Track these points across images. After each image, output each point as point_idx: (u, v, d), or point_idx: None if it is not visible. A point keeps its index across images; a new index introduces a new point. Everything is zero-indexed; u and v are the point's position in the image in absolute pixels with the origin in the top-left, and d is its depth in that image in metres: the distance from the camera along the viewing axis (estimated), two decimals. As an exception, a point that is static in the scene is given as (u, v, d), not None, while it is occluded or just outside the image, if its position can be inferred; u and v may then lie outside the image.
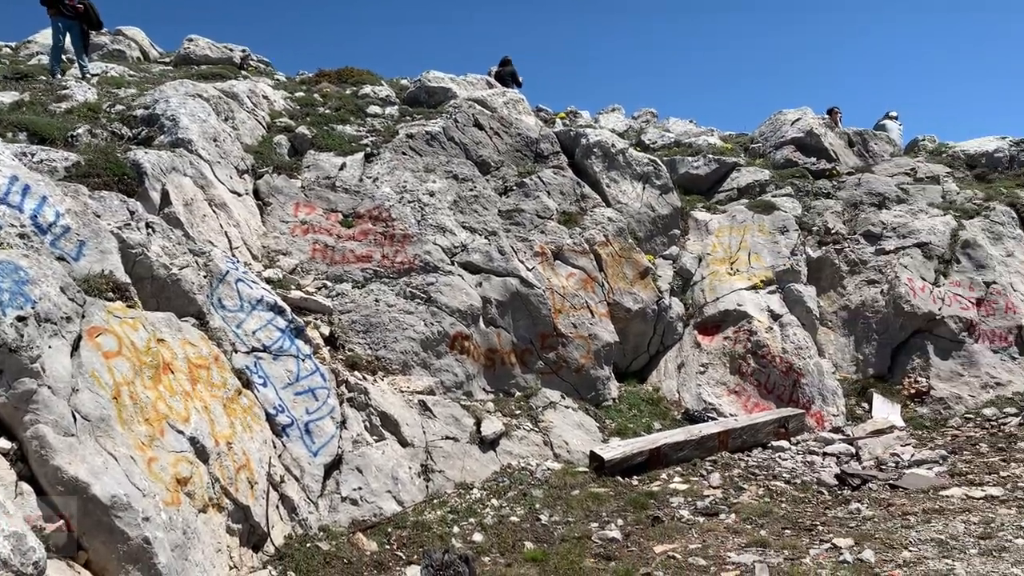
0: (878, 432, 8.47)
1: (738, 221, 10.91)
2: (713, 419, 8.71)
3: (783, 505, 6.68)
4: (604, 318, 9.21)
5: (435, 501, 6.61)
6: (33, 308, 4.20)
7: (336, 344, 7.52)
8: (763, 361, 9.26)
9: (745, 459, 7.99)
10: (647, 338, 9.84)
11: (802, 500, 6.81)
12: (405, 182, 9.18)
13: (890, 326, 9.70)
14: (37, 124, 7.59)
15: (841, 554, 5.41)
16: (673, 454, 7.74)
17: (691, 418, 8.86)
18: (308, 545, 5.68)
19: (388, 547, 5.93)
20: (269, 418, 6.11)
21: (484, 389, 8.32)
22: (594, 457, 7.48)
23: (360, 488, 6.32)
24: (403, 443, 6.84)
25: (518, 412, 8.10)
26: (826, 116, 14.72)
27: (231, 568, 5.07)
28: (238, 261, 7.22)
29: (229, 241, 7.65)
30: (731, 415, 8.86)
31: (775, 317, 9.63)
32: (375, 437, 6.74)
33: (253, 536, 5.46)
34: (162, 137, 8.13)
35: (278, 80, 12.84)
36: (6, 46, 14.15)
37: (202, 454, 5.12)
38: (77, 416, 4.19)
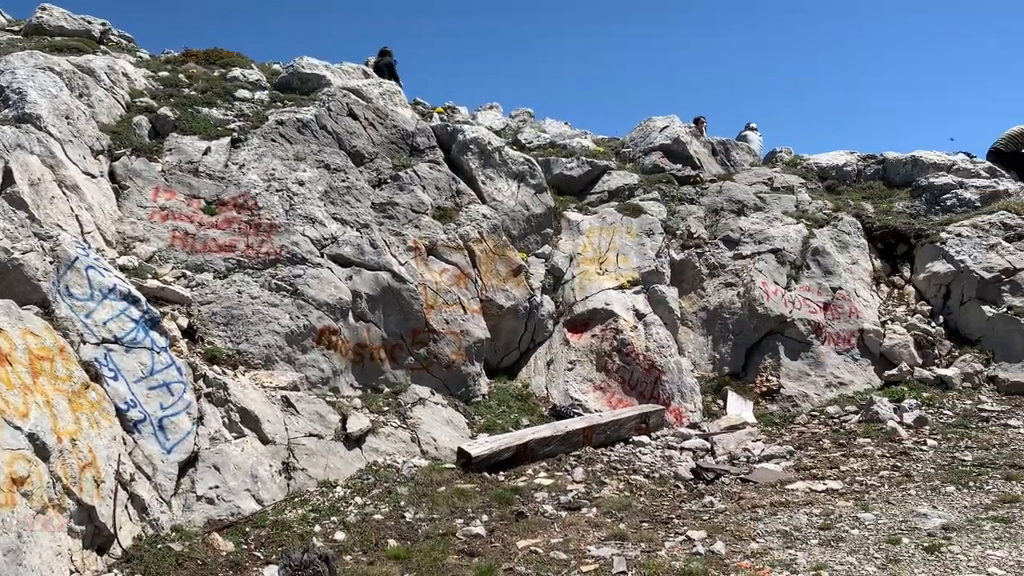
0: (732, 428, 8.89)
1: (608, 222, 11.19)
2: (579, 415, 8.90)
3: (642, 499, 6.91)
4: (477, 314, 9.24)
5: (296, 500, 6.44)
6: None
7: (195, 337, 7.20)
8: (628, 359, 9.54)
9: (608, 454, 8.21)
10: (519, 335, 9.95)
11: (660, 494, 7.06)
12: (274, 170, 8.89)
13: (745, 327, 10.20)
14: None
15: (694, 546, 5.65)
16: (539, 449, 7.85)
17: (558, 414, 9.01)
18: (159, 546, 5.41)
19: (245, 547, 5.73)
20: (120, 413, 5.78)
21: (352, 385, 8.17)
22: (461, 453, 7.49)
23: (217, 487, 6.08)
24: (264, 440, 6.63)
25: (386, 409, 8.00)
26: (692, 125, 15.32)
27: (72, 573, 4.78)
28: (89, 247, 6.80)
29: (80, 225, 7.18)
30: (596, 411, 9.09)
31: (640, 316, 9.93)
32: (234, 434, 6.49)
33: (98, 538, 5.16)
34: (7, 111, 7.55)
35: (140, 57, 12.13)
36: None
37: (42, 452, 4.80)
38: None
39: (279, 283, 7.90)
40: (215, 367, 6.94)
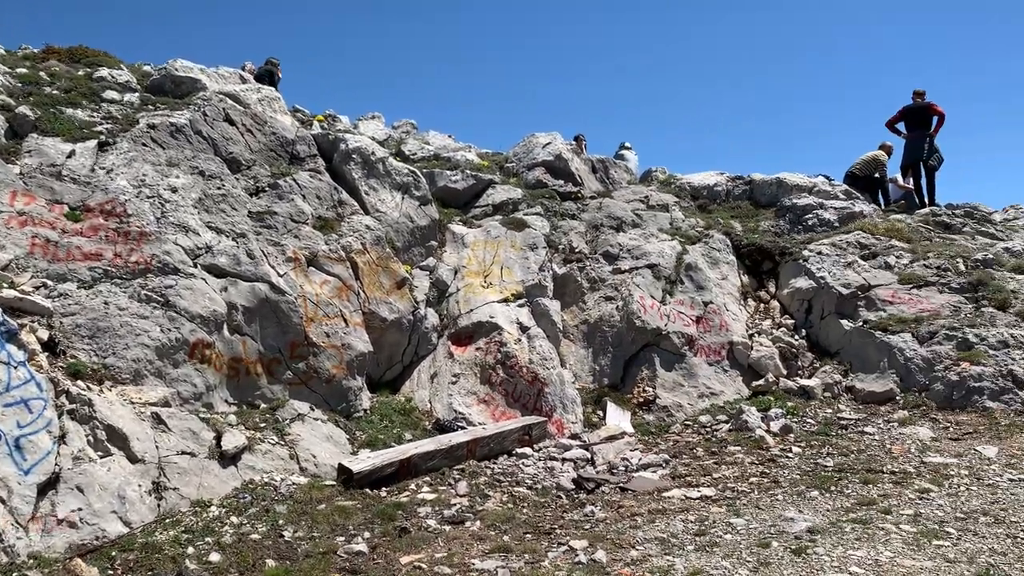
0: (611, 438, 9.09)
1: (492, 236, 11.26)
2: (463, 428, 8.89)
3: (525, 510, 6.95)
4: (359, 327, 9.09)
5: (168, 521, 6.11)
6: None
7: (56, 350, 6.74)
8: (511, 371, 9.61)
9: (492, 466, 8.22)
10: (402, 348, 9.85)
11: (543, 505, 7.13)
12: (144, 175, 8.47)
13: (624, 339, 10.48)
14: None
15: (577, 555, 5.72)
16: (423, 464, 7.78)
17: (442, 428, 8.97)
18: (14, 575, 5.02)
19: (111, 572, 5.38)
20: (-33, 434, 5.34)
21: (226, 401, 7.86)
22: (343, 470, 7.33)
23: (80, 509, 5.70)
24: (132, 459, 6.27)
25: (263, 425, 7.74)
26: (573, 142, 15.69)
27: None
28: (-67, 253, 6.26)
29: (-77, 230, 6.61)
30: (480, 424, 9.10)
31: (524, 329, 10.04)
32: (100, 453, 6.11)
33: (-60, 571, 4.73)
34: None
35: (-5, 52, 11.34)
36: None
37: None
38: None
39: (149, 294, 7.51)
40: (79, 382, 6.52)
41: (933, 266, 11.25)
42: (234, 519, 6.32)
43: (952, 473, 7.20)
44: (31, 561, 5.23)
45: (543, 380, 9.58)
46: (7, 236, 7.39)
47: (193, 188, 8.71)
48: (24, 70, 10.61)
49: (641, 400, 9.96)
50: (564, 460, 8.46)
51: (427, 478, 7.75)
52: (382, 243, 9.95)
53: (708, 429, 9.31)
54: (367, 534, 6.29)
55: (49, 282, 7.17)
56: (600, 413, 9.84)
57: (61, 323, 6.97)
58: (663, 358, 10.31)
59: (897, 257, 11.60)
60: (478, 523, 6.59)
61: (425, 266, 10.79)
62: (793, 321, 11.31)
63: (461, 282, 10.68)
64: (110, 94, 10.47)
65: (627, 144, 18.00)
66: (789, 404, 9.70)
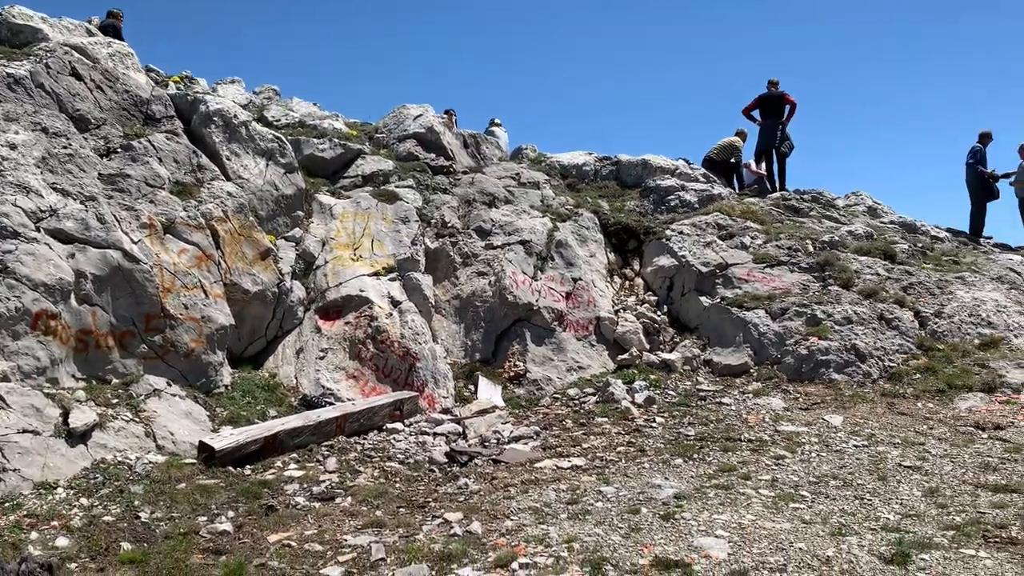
0: (482, 412, 9.12)
1: (363, 208, 10.99)
2: (331, 404, 8.66)
3: (398, 485, 6.86)
4: (220, 299, 8.64)
5: (8, 504, 5.61)
6: None
7: None
8: (382, 346, 9.44)
9: (362, 442, 8.06)
10: (265, 322, 9.46)
11: (415, 479, 7.05)
12: (-23, 129, 7.68)
13: (496, 314, 10.52)
14: None
15: (452, 528, 5.69)
16: (290, 441, 7.53)
17: (309, 404, 8.71)
18: None
19: (-61, 565, 4.89)
20: None
21: (74, 376, 7.30)
22: (204, 447, 6.97)
23: (-100, 497, 5.14)
24: (-36, 440, 5.71)
25: (115, 401, 7.23)
26: (444, 116, 15.53)
27: None
28: None
29: None
30: (349, 399, 8.89)
31: (395, 304, 9.87)
32: (-76, 434, 5.53)
33: None
34: None
35: None
36: None
37: None
38: None
39: (-17, 259, 6.84)
40: (-102, 356, 5.86)
41: (784, 247, 11.93)
42: (84, 501, 5.89)
43: (804, 440, 7.67)
44: None
45: (415, 355, 9.47)
46: None
47: (35, 146, 7.97)
48: None
49: (512, 374, 10.04)
50: (436, 434, 8.40)
51: (294, 455, 7.50)
52: (245, 211, 9.50)
53: (576, 402, 9.50)
54: (231, 513, 6.02)
55: None
56: (472, 387, 9.84)
57: None
58: (534, 333, 10.43)
59: (752, 238, 12.22)
60: (349, 499, 6.44)
61: (291, 237, 10.38)
62: (656, 298, 11.70)
63: (329, 254, 10.37)
64: (-67, 38, 9.43)
65: (497, 120, 17.99)
66: (652, 377, 10.04)
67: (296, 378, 9.22)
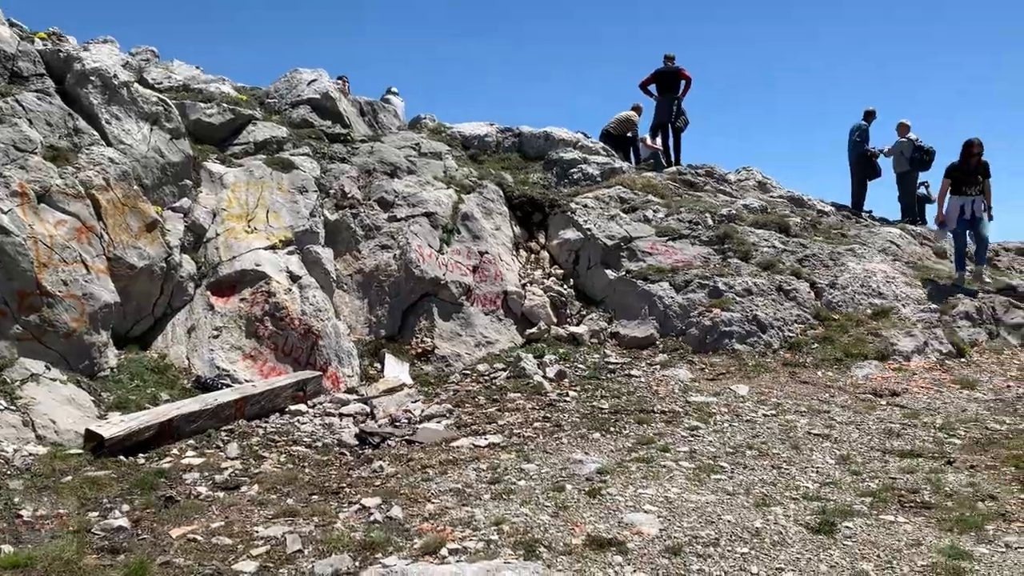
0: (391, 391, 8.81)
1: (256, 177, 10.37)
2: (228, 386, 8.15)
3: (307, 470, 6.49)
4: (103, 275, 7.94)
5: None
6: None
7: None
8: (282, 324, 8.96)
9: (264, 426, 7.62)
10: (153, 299, 8.78)
11: (326, 463, 6.71)
12: None
13: (402, 289, 10.17)
14: None
15: (371, 513, 5.41)
16: (186, 426, 7.02)
17: (204, 386, 8.16)
18: None
19: None
20: None
21: (-65, 361, 6.54)
22: (91, 436, 6.39)
23: None
24: None
25: (-14, 388, 6.53)
26: (338, 82, 14.89)
27: None
28: None
29: None
30: (247, 381, 8.40)
31: (294, 279, 9.38)
32: None
33: None
34: None
35: None
36: None
37: None
38: None
39: None
40: None
41: (685, 220, 12.08)
42: (-47, 502, 5.26)
43: (714, 411, 7.77)
44: None
45: (317, 332, 9.03)
46: None
47: None
48: None
49: (420, 351, 9.75)
50: (343, 415, 8.05)
51: (191, 441, 7.00)
52: (129, 179, 8.75)
53: (487, 377, 9.32)
54: (126, 507, 5.53)
55: None
56: (378, 365, 9.49)
57: None
58: (441, 308, 10.15)
59: (654, 211, 12.31)
60: (256, 487, 6.04)
61: (178, 208, 9.66)
62: (562, 271, 11.62)
63: (221, 226, 9.74)
64: None
65: (394, 89, 17.44)
66: (561, 351, 9.98)
67: (188, 359, 8.63)
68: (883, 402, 8.05)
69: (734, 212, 12.57)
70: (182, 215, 9.57)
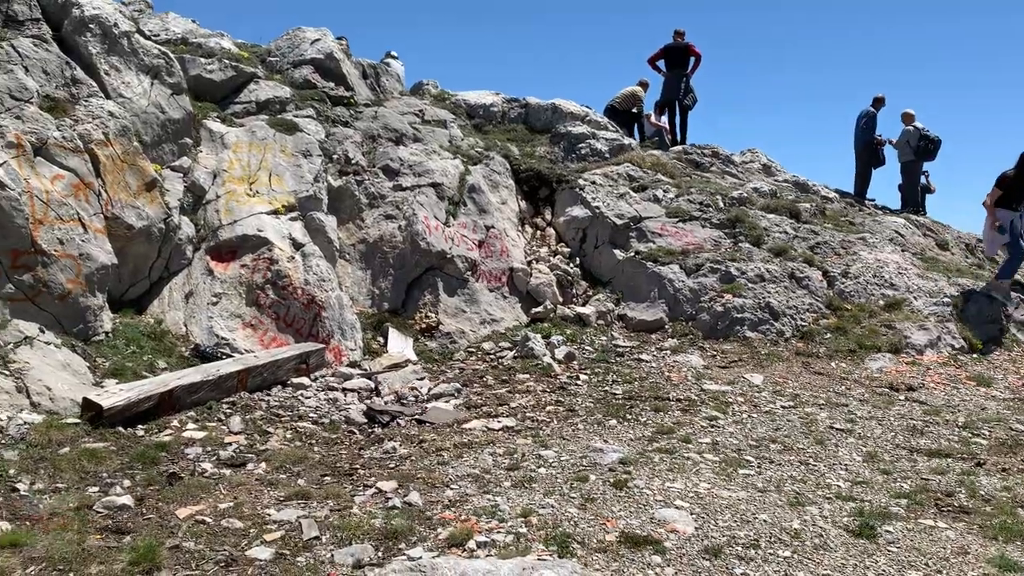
0: (395, 366, 8.54)
1: (259, 138, 9.96)
2: (227, 356, 7.84)
3: (316, 449, 6.23)
4: (100, 235, 7.56)
5: None
6: None
7: None
8: (284, 292, 8.63)
9: (266, 399, 7.33)
10: (150, 262, 8.40)
11: (335, 442, 6.44)
12: None
13: (407, 262, 9.85)
14: None
15: (388, 498, 5.16)
16: (187, 397, 6.71)
17: (202, 355, 7.83)
18: None
19: None
20: None
21: (-78, 319, 6.17)
22: (89, 405, 6.07)
23: None
24: None
25: (-23, 351, 6.18)
26: (340, 42, 14.40)
27: None
28: None
29: None
30: (247, 351, 8.08)
31: (297, 246, 9.04)
32: None
33: None
34: None
35: None
36: None
37: None
38: None
39: None
40: None
41: (696, 201, 11.82)
42: (-54, 472, 4.94)
43: (731, 400, 7.57)
44: None
45: (320, 303, 8.71)
46: None
47: None
48: None
49: (424, 326, 9.45)
50: (346, 391, 7.78)
51: (192, 413, 6.71)
52: (129, 135, 8.34)
53: (493, 356, 9.07)
54: (127, 483, 5.25)
55: None
56: (381, 339, 9.20)
57: None
58: (446, 283, 9.85)
59: (664, 191, 12.03)
60: (263, 465, 5.77)
61: (178, 167, 9.23)
62: (569, 249, 11.34)
63: (222, 188, 9.34)
64: None
65: (393, 53, 16.89)
66: (568, 331, 9.73)
67: (186, 326, 8.29)
68: (901, 397, 7.89)
69: (744, 195, 12.32)
70: (181, 175, 9.16)
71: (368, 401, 7.52)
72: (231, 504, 5.02)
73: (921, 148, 15.06)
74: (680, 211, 11.55)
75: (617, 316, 10.31)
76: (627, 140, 13.96)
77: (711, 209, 11.68)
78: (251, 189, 9.41)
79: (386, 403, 7.46)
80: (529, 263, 10.75)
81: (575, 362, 8.81)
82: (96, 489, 5.10)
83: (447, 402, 7.53)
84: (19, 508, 4.74)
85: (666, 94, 15.95)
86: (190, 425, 6.47)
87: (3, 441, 5.43)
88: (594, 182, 11.95)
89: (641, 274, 10.57)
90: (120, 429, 6.08)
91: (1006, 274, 10.61)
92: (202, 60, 11.02)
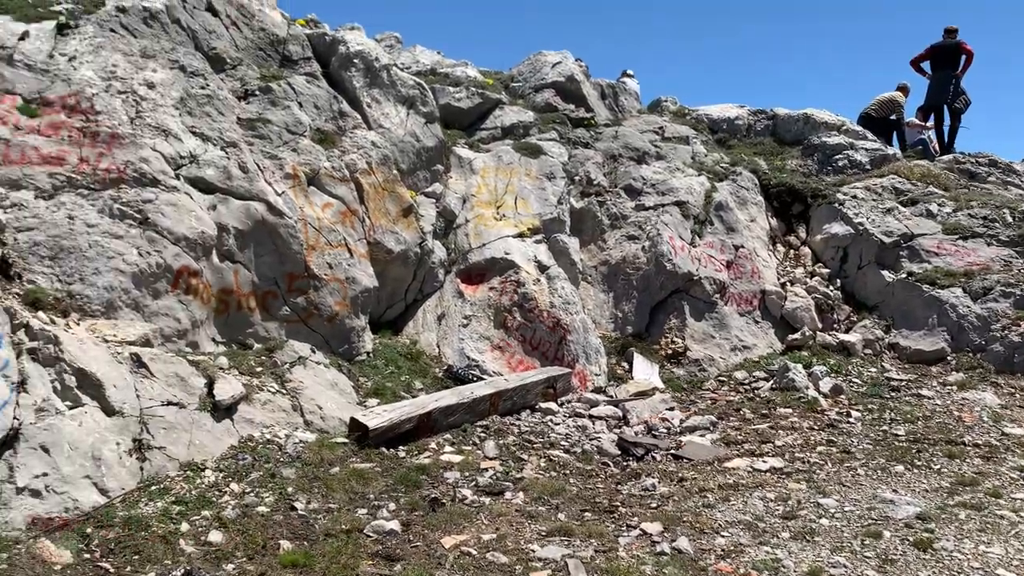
0: (641, 394, 8.16)
1: (505, 162, 10.06)
2: (478, 377, 7.86)
3: (572, 480, 5.99)
4: (364, 259, 7.89)
5: (154, 488, 4.99)
6: None
7: (10, 273, 5.47)
8: (530, 315, 8.56)
9: (517, 424, 7.23)
10: (405, 284, 8.69)
11: (590, 474, 6.17)
12: (115, 66, 7.04)
13: (651, 284, 9.47)
14: None
15: (655, 543, 4.79)
16: (443, 419, 6.75)
17: (454, 376, 7.93)
18: (-41, 565, 3.89)
19: (88, 556, 4.30)
20: None
21: (214, 340, 6.69)
22: (356, 425, 6.25)
23: (46, 474, 4.57)
24: (109, 411, 5.09)
25: (259, 370, 6.57)
26: (582, 63, 14.39)
27: None
28: None
29: None
30: (495, 373, 8.08)
31: (543, 269, 8.96)
32: (69, 403, 4.94)
33: None
34: None
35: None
36: None
37: None
38: None
39: (124, 209, 6.22)
40: (40, 314, 5.28)
41: (979, 216, 10.43)
42: (235, 487, 5.22)
43: (1045, 449, 6.44)
44: (-15, 543, 4.10)
45: (566, 326, 8.56)
46: (-55, 130, 6.00)
47: (173, 86, 7.32)
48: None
49: (670, 352, 9.01)
50: (594, 418, 7.51)
51: (447, 435, 6.72)
52: (389, 163, 8.70)
53: (747, 387, 8.45)
54: (392, 506, 5.27)
55: (0, 189, 5.83)
56: (625, 365, 8.88)
57: (15, 239, 5.69)
58: (693, 306, 9.34)
59: (939, 205, 10.74)
60: (521, 495, 5.61)
61: (431, 193, 9.53)
62: (827, 270, 10.41)
63: (471, 212, 9.51)
64: (67, -28, 8.85)
65: (630, 72, 16.66)
66: (830, 361, 8.88)
67: (438, 347, 8.46)
68: None
69: (1038, 208, 10.70)
70: (434, 200, 9.44)
71: (618, 431, 7.20)
72: (494, 536, 4.88)
73: None
74: (960, 227, 10.23)
75: (887, 345, 9.27)
76: (890, 150, 12.72)
77: (997, 224, 10.24)
78: (498, 213, 9.50)
79: (636, 434, 7.10)
80: (783, 285, 9.98)
81: (843, 396, 7.98)
82: (364, 511, 5.17)
83: (702, 436, 7.04)
84: (297, 528, 4.88)
85: (932, 98, 14.43)
86: (447, 448, 6.48)
87: (282, 459, 5.68)
88: (855, 196, 10.92)
89: (916, 298, 9.44)
90: (383, 450, 6.19)
91: None
92: (450, 89, 11.39)
